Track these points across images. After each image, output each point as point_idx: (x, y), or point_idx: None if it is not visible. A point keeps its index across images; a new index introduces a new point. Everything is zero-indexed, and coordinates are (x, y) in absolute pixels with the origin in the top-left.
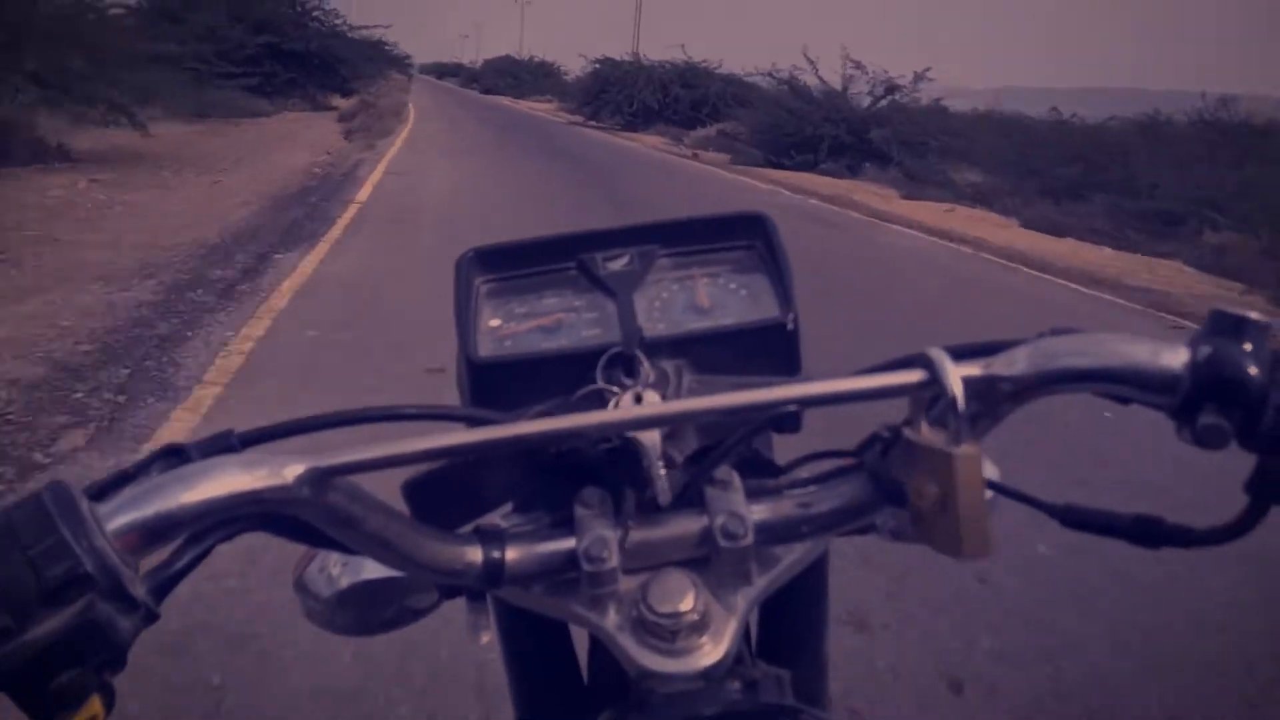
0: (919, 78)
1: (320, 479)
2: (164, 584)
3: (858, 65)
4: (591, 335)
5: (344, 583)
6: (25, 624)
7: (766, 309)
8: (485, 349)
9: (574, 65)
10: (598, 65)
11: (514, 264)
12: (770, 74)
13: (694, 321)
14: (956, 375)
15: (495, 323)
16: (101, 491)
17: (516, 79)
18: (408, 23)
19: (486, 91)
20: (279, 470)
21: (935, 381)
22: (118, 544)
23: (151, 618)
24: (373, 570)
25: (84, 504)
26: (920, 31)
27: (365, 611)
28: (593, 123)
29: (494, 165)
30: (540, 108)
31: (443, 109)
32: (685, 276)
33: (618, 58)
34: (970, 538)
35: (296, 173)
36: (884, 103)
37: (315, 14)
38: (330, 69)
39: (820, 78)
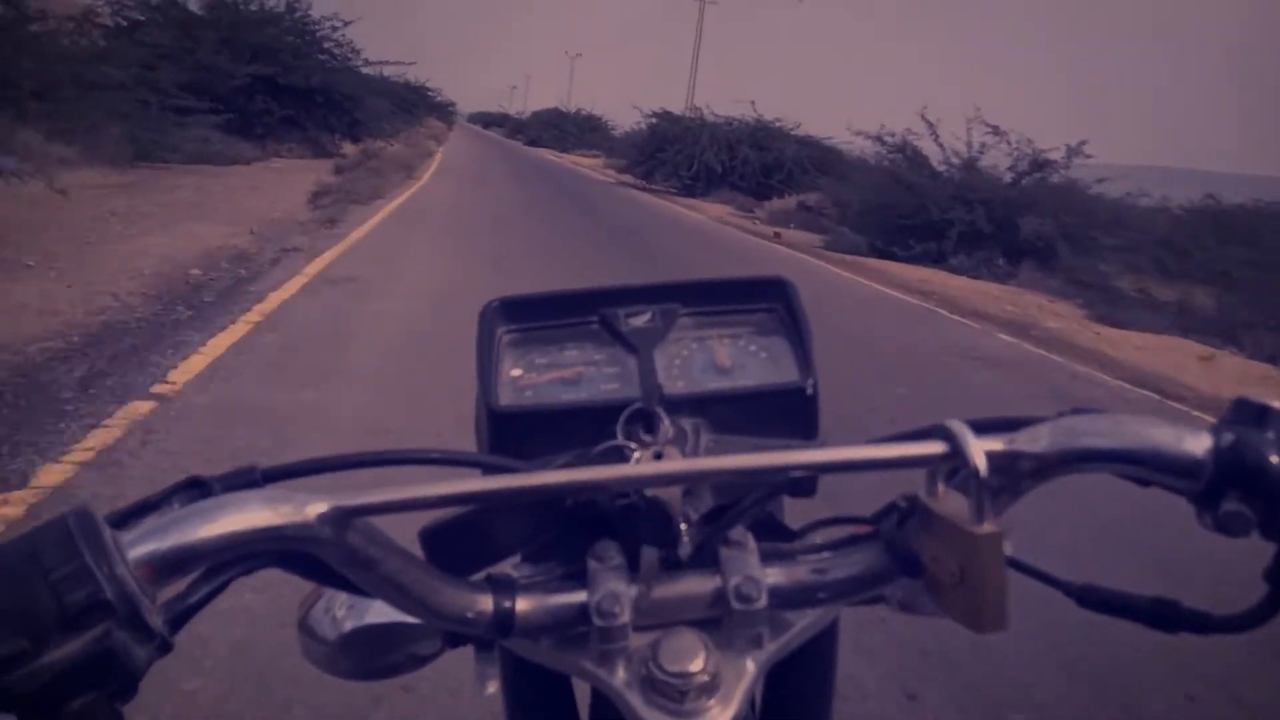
0: (1074, 151)
1: (342, 519)
2: (180, 615)
3: (995, 130)
4: (611, 390)
5: (348, 625)
6: (42, 647)
7: (786, 372)
8: (506, 398)
9: (623, 119)
10: (654, 120)
11: (537, 315)
12: (878, 138)
13: (713, 381)
14: (979, 449)
15: (517, 373)
16: (123, 519)
17: (562, 131)
18: (458, 72)
19: (531, 143)
20: (301, 508)
21: (957, 454)
22: (138, 573)
23: (166, 648)
24: (378, 614)
25: (107, 531)
26: (1038, 96)
27: (368, 656)
28: (645, 184)
29: (516, 249)
30: (585, 163)
31: (474, 160)
32: (706, 336)
33: (677, 112)
34: (989, 612)
35: (151, 279)
36: (1029, 180)
37: (327, 45)
38: (338, 108)
39: (940, 144)
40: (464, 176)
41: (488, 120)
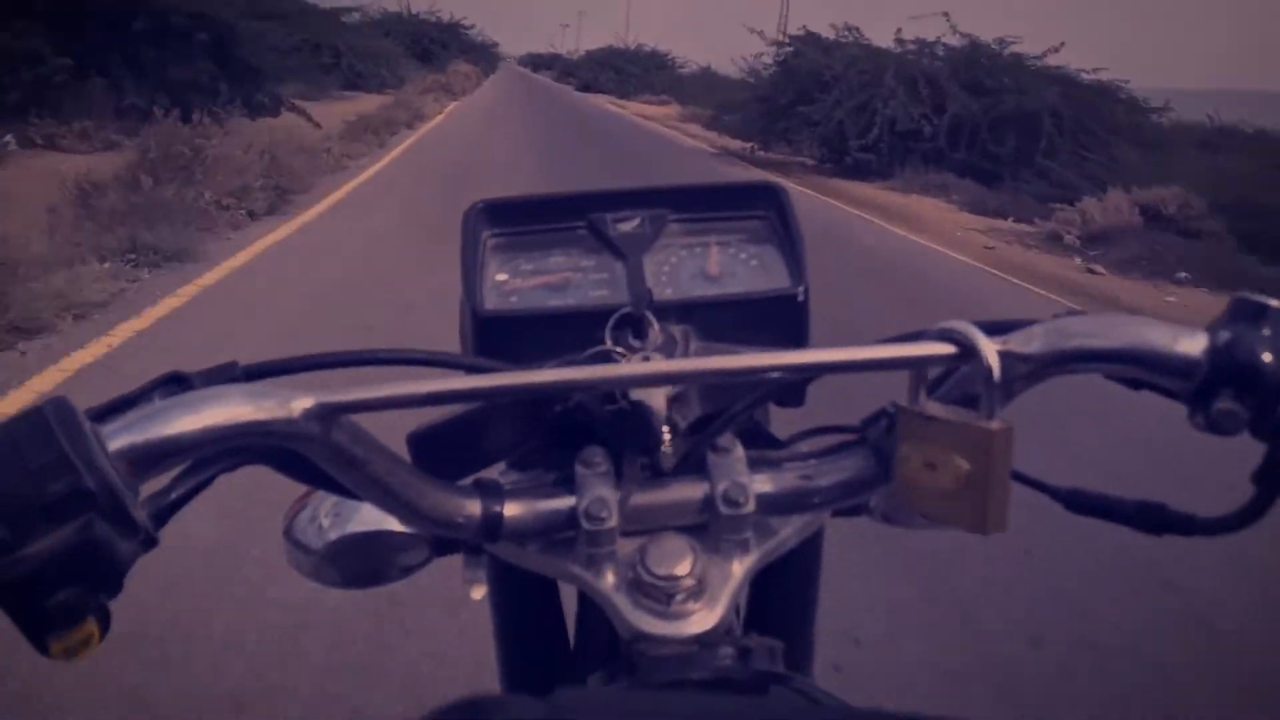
0: None
1: (327, 415)
2: (163, 510)
3: None
4: (599, 295)
5: (334, 534)
6: (24, 538)
7: (777, 279)
8: (491, 302)
9: (693, 55)
10: (787, 47)
11: (523, 219)
12: None
13: (703, 288)
14: (992, 349)
15: (502, 277)
16: (102, 414)
17: (620, 73)
18: (510, 12)
19: (585, 88)
20: (286, 403)
21: (969, 354)
22: (119, 465)
23: (150, 543)
24: (364, 522)
25: (86, 422)
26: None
27: (354, 564)
28: (758, 154)
29: None
30: (654, 113)
31: (500, 121)
32: (696, 243)
33: (826, 34)
34: (995, 512)
35: None
36: None
37: None
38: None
39: None
40: (458, 162)
41: (537, 63)
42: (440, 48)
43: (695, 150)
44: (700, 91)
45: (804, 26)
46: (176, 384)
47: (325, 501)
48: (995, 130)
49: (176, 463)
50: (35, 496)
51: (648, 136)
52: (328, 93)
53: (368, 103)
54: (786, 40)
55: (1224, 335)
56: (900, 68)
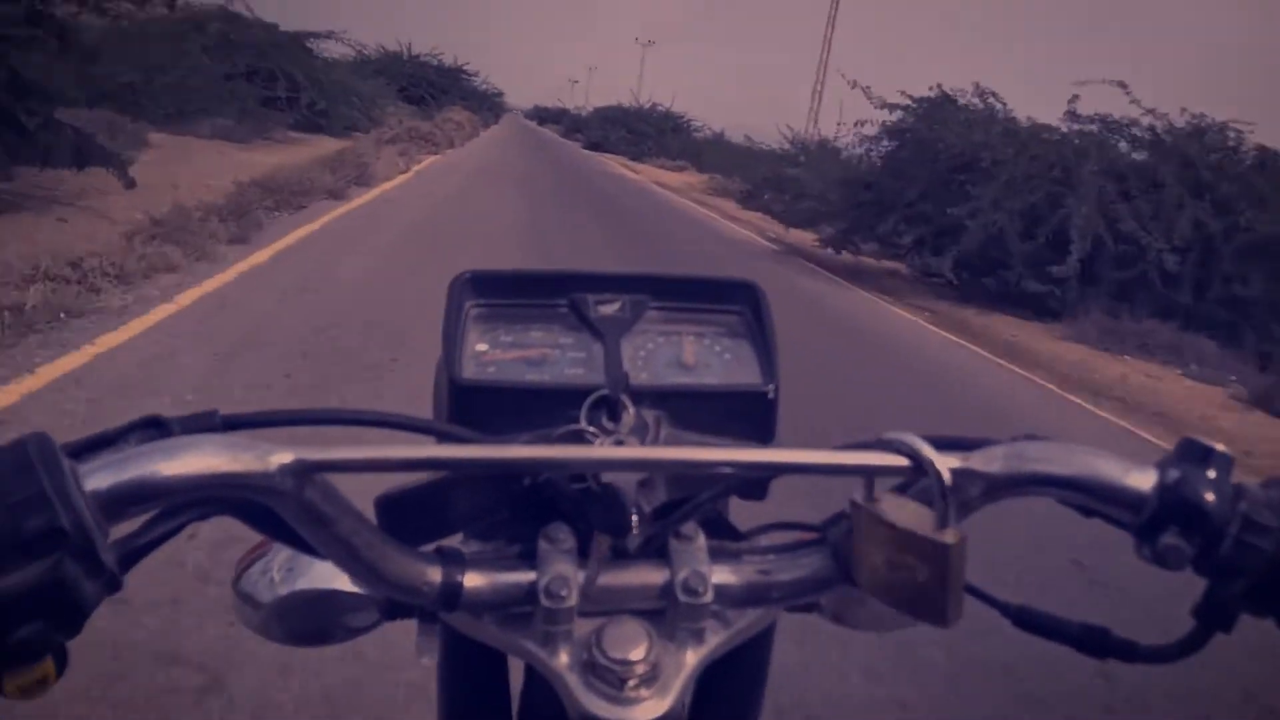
0: None
1: (303, 472)
2: (131, 554)
3: None
4: (575, 374)
5: (284, 589)
6: None
7: (749, 375)
8: (469, 371)
9: (709, 117)
10: (905, 111)
11: (506, 292)
12: None
13: (677, 376)
14: (944, 463)
15: (482, 347)
16: (79, 451)
17: (633, 132)
18: (517, 63)
19: (594, 146)
20: (264, 456)
21: (919, 468)
22: (94, 506)
23: (115, 586)
24: (316, 580)
25: (65, 461)
26: None
27: (301, 622)
28: (821, 253)
29: None
30: (673, 181)
31: (485, 188)
32: (673, 331)
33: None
34: (955, 608)
35: None
36: None
37: None
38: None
39: None
40: (387, 281)
41: (544, 116)
42: (439, 92)
43: (746, 244)
44: (720, 159)
45: (938, 85)
46: (155, 428)
47: (277, 556)
48: (1240, 261)
49: (151, 508)
50: (9, 531)
51: (677, 216)
52: (269, 133)
53: (310, 150)
54: (907, 104)
55: (1172, 474)
56: (1103, 157)
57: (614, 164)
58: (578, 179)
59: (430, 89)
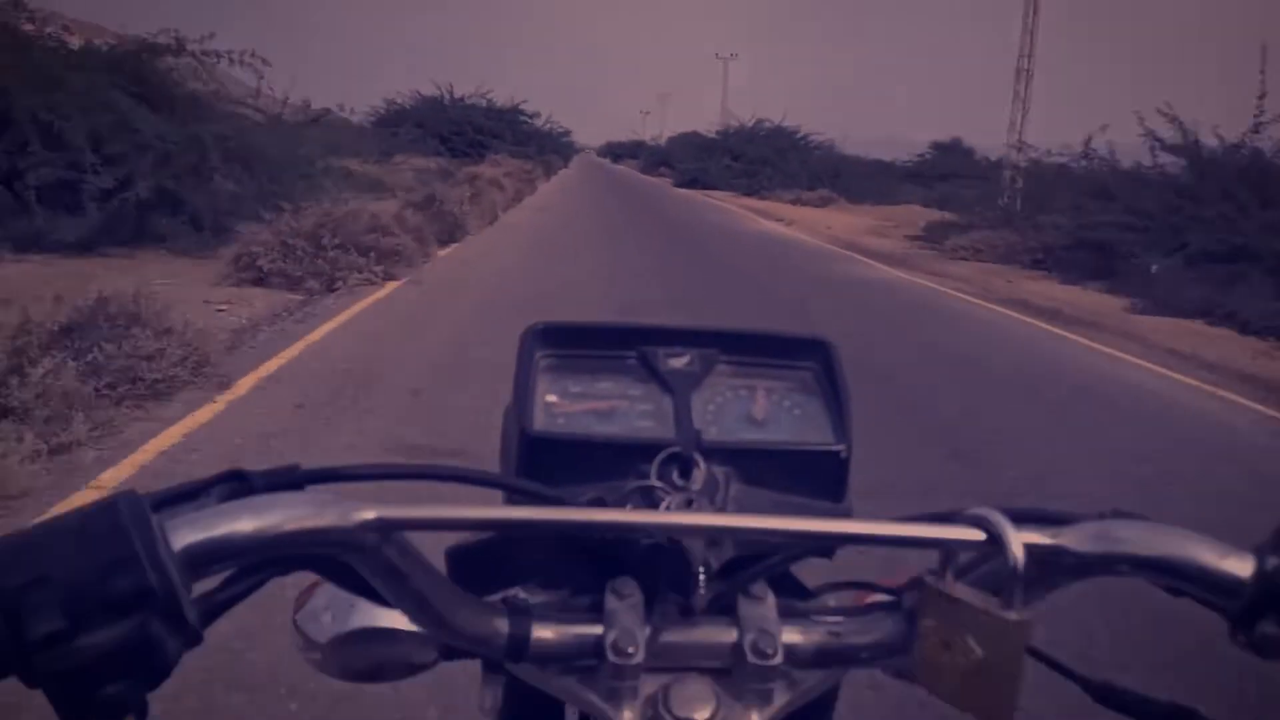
0: None
1: (383, 529)
2: (213, 609)
3: None
4: (644, 427)
5: (344, 626)
6: (81, 629)
7: (822, 434)
8: (540, 423)
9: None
10: None
11: (576, 344)
12: None
13: (748, 432)
14: (1019, 541)
15: (552, 398)
16: (162, 503)
17: (740, 159)
18: (582, 103)
19: (690, 184)
20: (347, 514)
21: (995, 544)
22: (179, 563)
23: (196, 641)
24: (375, 618)
25: (155, 521)
26: None
27: (360, 658)
28: None
29: None
30: (838, 226)
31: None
32: (743, 386)
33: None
34: (1007, 701)
35: None
36: None
37: None
38: None
39: None
40: None
41: (618, 152)
42: (490, 138)
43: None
44: (873, 183)
45: None
46: (238, 481)
47: (339, 592)
48: None
49: (235, 565)
50: (100, 590)
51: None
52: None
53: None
54: None
55: (1273, 561)
56: None
57: (733, 207)
58: (700, 252)
59: (478, 135)
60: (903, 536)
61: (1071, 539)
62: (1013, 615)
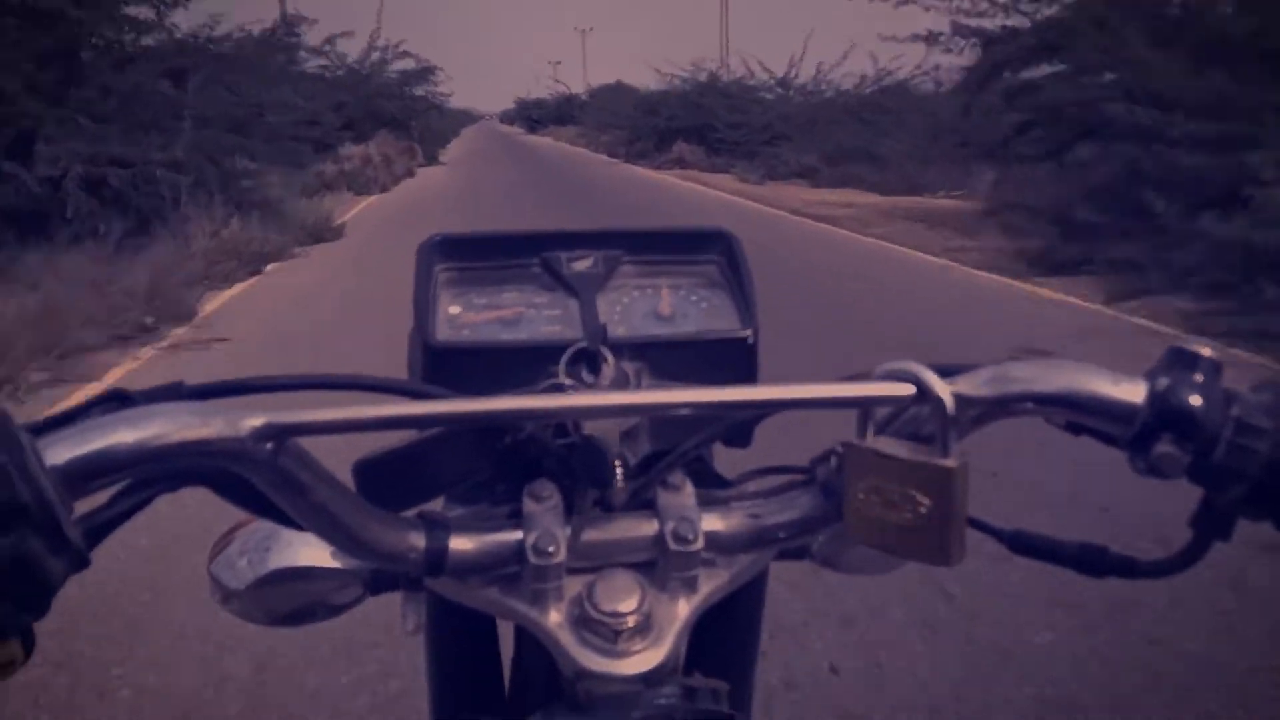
0: None
1: (276, 436)
2: (98, 529)
3: None
4: (552, 331)
5: (262, 569)
6: None
7: (728, 322)
8: (443, 334)
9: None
10: None
11: (476, 255)
12: None
13: (655, 328)
14: (945, 388)
15: (455, 310)
16: (40, 429)
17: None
18: (476, 68)
19: (684, 165)
20: (234, 422)
21: (924, 395)
22: (56, 480)
23: (82, 563)
24: (294, 558)
25: (24, 435)
26: None
27: (281, 601)
28: None
29: None
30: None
31: None
32: (648, 285)
33: None
34: (957, 545)
35: None
36: None
37: None
38: None
39: None
40: None
41: (536, 116)
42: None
43: None
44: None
45: None
46: (119, 402)
47: (253, 536)
48: None
49: (115, 480)
50: None
51: None
52: None
53: None
54: None
55: (1162, 382)
56: None
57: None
58: None
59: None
60: (823, 398)
61: (974, 384)
62: (952, 461)
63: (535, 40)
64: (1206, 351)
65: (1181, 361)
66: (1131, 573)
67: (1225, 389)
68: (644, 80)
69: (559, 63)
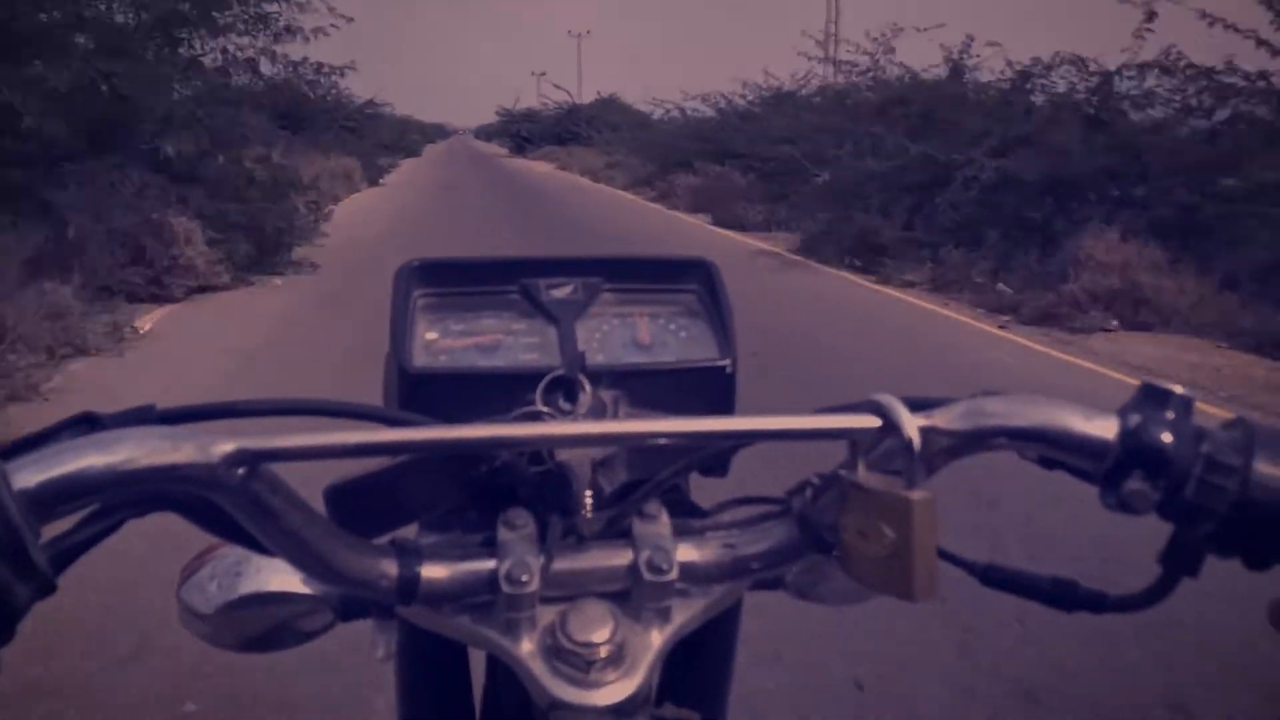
0: None
1: (246, 462)
2: (65, 554)
3: None
4: (530, 358)
5: (231, 594)
6: None
7: (707, 351)
8: (420, 360)
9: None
10: None
11: (455, 280)
12: None
13: (634, 356)
14: (913, 422)
15: (432, 336)
16: (7, 453)
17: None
18: (455, 87)
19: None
20: (205, 447)
21: (891, 428)
22: (22, 505)
23: (48, 589)
24: (264, 584)
25: None
26: None
27: (250, 626)
28: None
29: None
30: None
31: None
32: (627, 313)
33: None
34: (923, 580)
35: None
36: None
37: None
38: None
39: None
40: None
41: (524, 133)
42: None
43: None
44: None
45: None
46: (89, 425)
47: (222, 561)
48: None
49: (84, 504)
50: None
51: None
52: None
53: None
54: None
55: (1134, 419)
56: None
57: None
58: None
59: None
60: (797, 429)
61: (948, 418)
62: (915, 494)
63: (518, 44)
64: (1178, 389)
65: (1153, 398)
66: (1100, 608)
67: (1196, 426)
68: (637, 96)
69: (544, 74)
